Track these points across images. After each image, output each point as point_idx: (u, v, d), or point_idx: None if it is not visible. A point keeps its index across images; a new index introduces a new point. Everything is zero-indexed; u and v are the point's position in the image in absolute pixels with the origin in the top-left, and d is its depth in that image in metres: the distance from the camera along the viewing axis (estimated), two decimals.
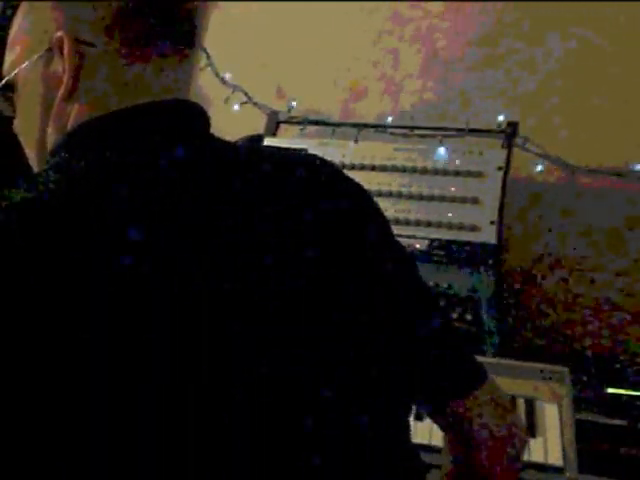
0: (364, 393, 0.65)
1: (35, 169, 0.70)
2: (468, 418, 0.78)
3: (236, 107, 2.08)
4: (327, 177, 0.73)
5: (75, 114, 0.64)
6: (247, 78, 2.11)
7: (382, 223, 0.76)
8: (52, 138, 0.66)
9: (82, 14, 0.64)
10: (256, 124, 1.97)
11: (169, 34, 0.66)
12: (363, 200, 0.75)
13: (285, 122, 1.95)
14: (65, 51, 0.63)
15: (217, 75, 2.14)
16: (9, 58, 0.70)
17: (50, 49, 0.65)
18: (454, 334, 0.82)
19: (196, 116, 0.68)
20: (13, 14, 0.71)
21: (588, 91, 1.83)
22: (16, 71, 0.68)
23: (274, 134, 1.91)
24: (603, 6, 1.79)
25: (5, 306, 0.50)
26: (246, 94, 2.08)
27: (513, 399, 1.32)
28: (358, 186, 0.76)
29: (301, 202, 0.67)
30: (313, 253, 0.64)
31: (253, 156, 0.70)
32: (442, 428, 0.84)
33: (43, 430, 0.50)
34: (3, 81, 0.70)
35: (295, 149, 0.77)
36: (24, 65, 0.67)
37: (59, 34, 0.64)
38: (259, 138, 1.84)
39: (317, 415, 0.60)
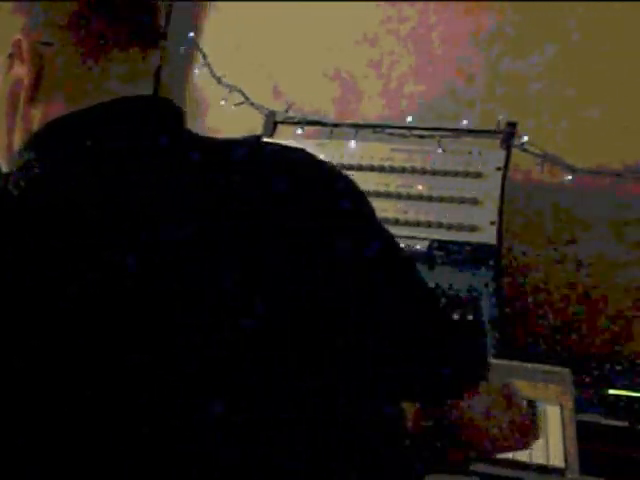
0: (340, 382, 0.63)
1: (3, 170, 0.70)
2: (462, 415, 0.76)
3: (233, 107, 2.07)
4: (306, 171, 0.70)
5: (40, 114, 0.64)
6: (244, 78, 2.10)
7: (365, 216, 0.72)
8: (19, 139, 0.66)
9: (38, 15, 0.63)
10: (253, 124, 1.96)
11: (129, 31, 0.65)
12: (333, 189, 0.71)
13: (283, 122, 1.94)
14: (24, 53, 0.63)
15: (214, 75, 2.14)
16: None
17: (12, 53, 0.65)
18: (453, 331, 0.76)
19: (162, 113, 0.66)
20: None
21: (587, 91, 1.83)
22: None
23: (272, 134, 1.90)
24: (603, 8, 1.79)
25: None
26: (243, 94, 2.07)
27: None
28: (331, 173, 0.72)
29: (275, 197, 0.64)
30: (288, 248, 0.61)
31: (232, 151, 0.68)
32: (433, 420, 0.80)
33: None
34: None
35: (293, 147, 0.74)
36: None
37: (17, 37, 0.64)
38: (257, 138, 1.83)
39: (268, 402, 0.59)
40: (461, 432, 0.77)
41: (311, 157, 0.71)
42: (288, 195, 0.64)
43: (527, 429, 0.80)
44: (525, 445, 0.80)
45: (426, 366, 0.73)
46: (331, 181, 0.70)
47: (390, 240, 0.73)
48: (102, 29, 0.63)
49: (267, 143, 0.73)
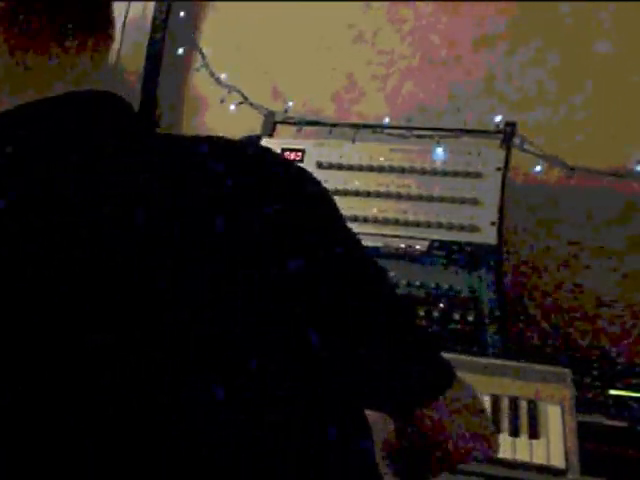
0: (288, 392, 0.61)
1: None
2: (425, 426, 0.73)
3: (232, 107, 2.07)
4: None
5: None
6: (243, 79, 2.10)
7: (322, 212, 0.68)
8: None
9: None
10: (253, 124, 1.96)
11: (67, 22, 0.61)
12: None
13: (282, 122, 1.94)
14: None
15: (212, 75, 2.13)
16: None
17: None
18: (411, 335, 0.73)
19: (103, 106, 0.63)
20: None
21: (587, 91, 1.83)
22: None
23: (271, 135, 1.90)
24: (601, 7, 1.79)
25: None
26: (242, 94, 2.07)
27: (515, 400, 1.32)
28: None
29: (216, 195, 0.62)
30: (233, 248, 0.59)
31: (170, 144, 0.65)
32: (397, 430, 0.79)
33: None
34: None
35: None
36: None
37: None
38: (257, 138, 1.83)
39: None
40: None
41: (272, 155, 0.69)
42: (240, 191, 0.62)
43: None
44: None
45: (390, 374, 0.71)
46: (296, 183, 0.67)
47: (351, 243, 0.70)
48: (34, 21, 0.59)
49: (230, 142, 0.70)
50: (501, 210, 1.55)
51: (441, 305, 1.54)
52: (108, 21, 0.66)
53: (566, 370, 1.34)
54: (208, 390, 0.56)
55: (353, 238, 0.70)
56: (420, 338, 0.74)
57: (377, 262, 0.71)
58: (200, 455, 0.55)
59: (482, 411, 0.78)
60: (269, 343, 0.60)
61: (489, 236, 1.53)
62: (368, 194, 1.65)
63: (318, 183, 0.69)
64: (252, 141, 0.72)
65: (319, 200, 0.68)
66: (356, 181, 1.68)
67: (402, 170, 1.66)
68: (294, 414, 0.61)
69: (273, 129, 1.92)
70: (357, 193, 1.66)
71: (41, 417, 0.52)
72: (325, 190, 0.69)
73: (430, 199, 1.61)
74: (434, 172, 1.64)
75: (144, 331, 0.55)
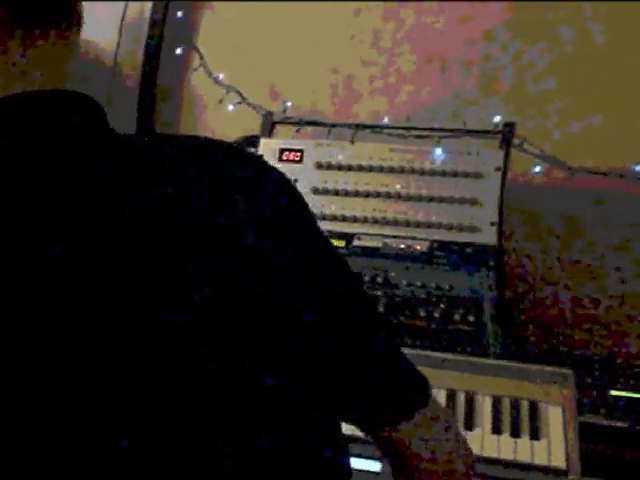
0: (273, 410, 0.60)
1: None
2: (402, 446, 0.74)
3: (230, 108, 2.06)
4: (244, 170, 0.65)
5: None
6: (240, 79, 2.09)
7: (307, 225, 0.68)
8: None
9: None
10: (251, 125, 1.95)
11: (28, 15, 0.55)
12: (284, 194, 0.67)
13: (280, 123, 1.93)
14: None
15: (210, 75, 2.13)
16: None
17: None
18: (391, 353, 0.73)
19: (68, 107, 0.58)
20: None
21: (586, 91, 1.83)
22: None
23: (269, 135, 1.89)
24: (601, 5, 1.79)
25: None
26: (240, 95, 2.06)
27: (516, 401, 1.32)
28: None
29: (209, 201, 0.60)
30: (221, 261, 0.58)
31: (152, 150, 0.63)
32: (380, 452, 0.79)
33: None
34: None
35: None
36: None
37: None
38: (255, 138, 1.82)
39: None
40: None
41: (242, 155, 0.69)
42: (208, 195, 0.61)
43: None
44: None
45: (365, 387, 0.71)
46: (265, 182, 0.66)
47: (327, 250, 0.70)
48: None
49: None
50: (501, 210, 1.56)
51: (441, 305, 1.53)
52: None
53: (567, 371, 1.33)
54: (211, 394, 0.56)
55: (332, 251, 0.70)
56: (399, 358, 0.73)
57: (353, 274, 0.71)
58: (199, 461, 0.55)
59: (457, 434, 0.79)
60: (274, 359, 0.59)
61: (489, 236, 1.53)
62: (368, 194, 1.65)
63: (300, 199, 0.68)
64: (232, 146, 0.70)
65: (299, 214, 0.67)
66: (355, 181, 1.67)
67: (402, 170, 1.66)
68: (291, 427, 0.61)
69: (271, 129, 1.91)
70: (357, 193, 1.66)
71: (40, 420, 0.51)
72: (305, 203, 0.68)
73: (430, 199, 1.61)
74: (434, 172, 1.64)
75: (149, 332, 0.54)
